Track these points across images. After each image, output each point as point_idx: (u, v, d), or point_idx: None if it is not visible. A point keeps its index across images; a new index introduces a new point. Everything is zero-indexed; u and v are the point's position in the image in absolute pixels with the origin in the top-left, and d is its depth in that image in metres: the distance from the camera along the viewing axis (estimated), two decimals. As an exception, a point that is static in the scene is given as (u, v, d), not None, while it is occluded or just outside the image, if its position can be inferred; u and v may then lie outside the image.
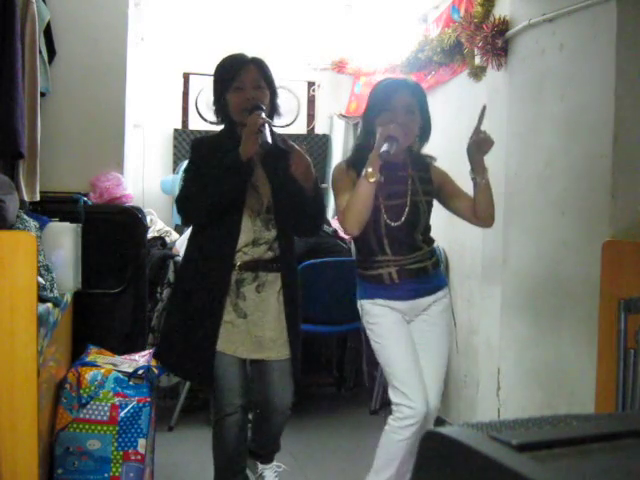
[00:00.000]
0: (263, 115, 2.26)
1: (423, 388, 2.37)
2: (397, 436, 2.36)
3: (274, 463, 2.66)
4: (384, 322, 2.42)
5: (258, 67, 2.38)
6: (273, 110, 2.43)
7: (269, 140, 2.20)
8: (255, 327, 2.37)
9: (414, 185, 2.43)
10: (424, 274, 2.44)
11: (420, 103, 2.43)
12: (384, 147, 2.23)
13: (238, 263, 2.34)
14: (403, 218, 2.38)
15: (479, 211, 2.43)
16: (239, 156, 2.22)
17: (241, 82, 2.34)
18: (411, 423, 2.33)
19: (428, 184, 2.47)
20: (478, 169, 2.37)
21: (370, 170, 2.24)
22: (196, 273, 2.39)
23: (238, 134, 2.35)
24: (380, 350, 2.44)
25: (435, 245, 2.57)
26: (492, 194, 2.42)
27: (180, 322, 2.40)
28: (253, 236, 2.35)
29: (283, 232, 2.40)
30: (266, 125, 2.22)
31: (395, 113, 2.35)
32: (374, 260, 2.42)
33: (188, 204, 2.32)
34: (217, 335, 2.33)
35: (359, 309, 2.52)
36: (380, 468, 2.40)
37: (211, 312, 2.33)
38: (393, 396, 2.40)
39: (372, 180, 2.25)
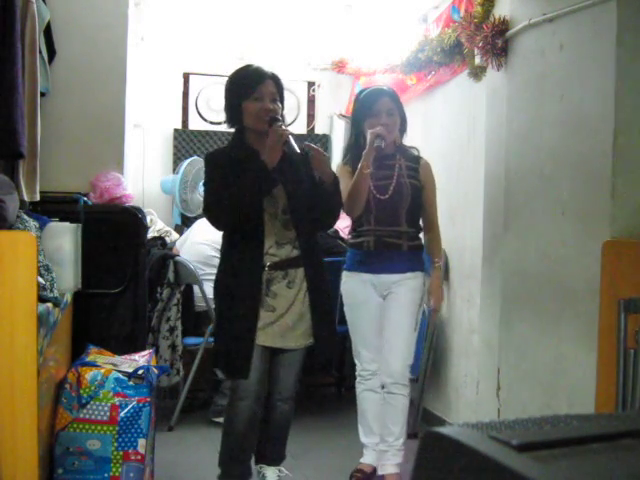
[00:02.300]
0: (283, 127, 2.46)
1: (374, 356, 2.89)
2: (357, 389, 2.97)
3: (277, 467, 2.71)
4: (357, 295, 2.93)
5: (275, 82, 2.58)
6: (284, 122, 2.61)
7: (297, 150, 2.41)
8: (281, 318, 2.54)
9: (400, 170, 2.91)
10: (397, 250, 2.87)
11: (397, 105, 2.92)
12: (376, 142, 2.74)
13: (268, 263, 2.52)
14: (389, 192, 2.86)
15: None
16: (265, 165, 2.40)
17: (260, 93, 2.52)
18: (362, 378, 2.93)
19: (415, 172, 2.94)
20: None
21: (365, 163, 2.75)
22: (233, 278, 2.55)
23: (248, 141, 2.58)
24: (348, 317, 2.98)
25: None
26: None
27: (225, 325, 2.58)
28: (275, 238, 2.54)
29: (302, 230, 2.58)
30: (290, 136, 2.42)
31: (379, 116, 2.84)
32: (360, 230, 2.92)
33: (219, 213, 2.49)
34: (255, 334, 2.49)
35: (342, 277, 3.02)
36: (360, 419, 3.00)
37: (247, 311, 2.50)
38: (354, 357, 2.99)
39: (366, 172, 2.76)
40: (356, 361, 2.97)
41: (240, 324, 2.50)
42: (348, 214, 2.91)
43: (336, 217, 2.73)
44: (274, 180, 2.47)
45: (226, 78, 2.68)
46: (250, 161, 2.47)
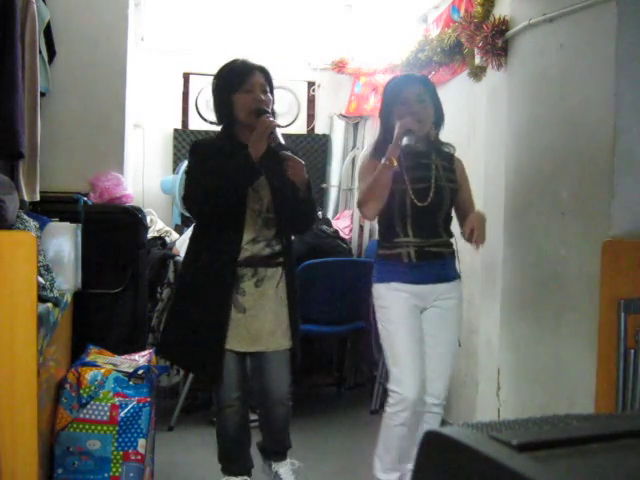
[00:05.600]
0: (271, 118, 2.41)
1: (418, 378, 2.46)
2: (391, 422, 2.47)
3: (288, 460, 2.71)
4: (397, 308, 2.51)
5: (264, 74, 2.53)
6: (273, 115, 2.54)
7: (282, 141, 2.37)
8: (254, 320, 2.48)
9: (438, 172, 2.55)
10: (440, 258, 2.55)
11: (430, 92, 2.57)
12: (405, 140, 2.38)
13: (238, 259, 2.46)
14: (429, 199, 2.50)
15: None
16: (250, 156, 2.35)
17: (251, 85, 2.48)
18: (401, 409, 2.43)
19: (451, 173, 2.60)
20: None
21: (388, 159, 2.38)
22: (202, 270, 2.49)
23: (236, 134, 2.52)
24: (386, 335, 2.53)
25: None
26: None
27: (187, 318, 2.51)
28: (253, 234, 2.49)
29: (282, 230, 2.54)
30: (277, 128, 2.38)
31: (408, 104, 2.49)
32: (395, 241, 2.52)
33: (198, 201, 2.44)
34: (226, 332, 2.44)
35: (373, 292, 2.60)
36: (382, 453, 2.52)
37: (218, 309, 2.45)
38: (389, 382, 2.51)
39: (391, 167, 2.39)
40: (394, 387, 2.46)
41: (210, 326, 2.44)
42: (363, 214, 2.59)
43: (310, 223, 2.74)
44: (257, 172, 2.39)
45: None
46: (236, 153, 2.41)
